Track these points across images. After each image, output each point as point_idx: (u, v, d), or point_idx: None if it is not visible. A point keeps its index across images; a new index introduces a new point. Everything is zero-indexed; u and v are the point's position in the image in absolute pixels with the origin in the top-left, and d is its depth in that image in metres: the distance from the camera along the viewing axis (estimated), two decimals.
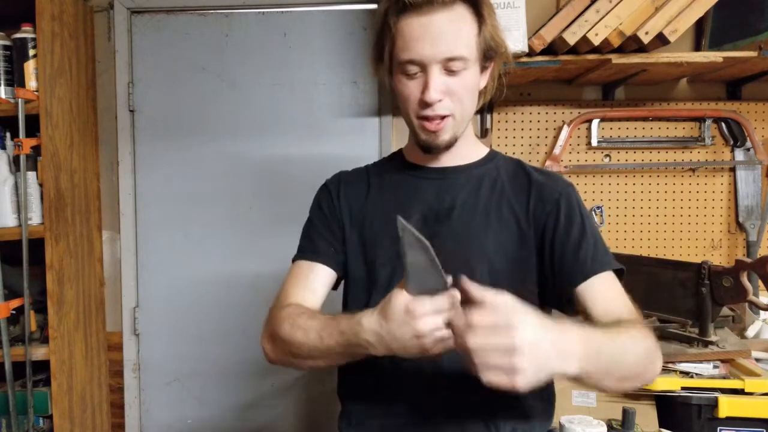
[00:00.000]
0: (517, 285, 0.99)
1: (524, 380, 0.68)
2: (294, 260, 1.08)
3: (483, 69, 0.99)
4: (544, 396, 1.03)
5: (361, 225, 1.06)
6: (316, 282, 1.04)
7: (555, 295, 0.99)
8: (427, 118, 0.95)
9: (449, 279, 0.77)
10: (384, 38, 0.96)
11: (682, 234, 2.03)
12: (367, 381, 1.01)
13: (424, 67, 0.92)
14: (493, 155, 1.09)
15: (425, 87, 0.92)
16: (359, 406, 1.04)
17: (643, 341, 0.84)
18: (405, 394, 0.98)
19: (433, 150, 1.00)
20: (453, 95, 0.94)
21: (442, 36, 0.90)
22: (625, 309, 0.93)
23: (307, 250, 1.07)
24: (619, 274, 0.98)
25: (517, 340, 0.68)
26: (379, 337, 0.80)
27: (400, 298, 0.78)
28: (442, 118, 0.95)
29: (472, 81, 0.96)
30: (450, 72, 0.92)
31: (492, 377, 0.69)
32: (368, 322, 0.81)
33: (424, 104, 0.93)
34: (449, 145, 1.00)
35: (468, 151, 1.06)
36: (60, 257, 1.80)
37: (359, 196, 1.09)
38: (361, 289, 1.04)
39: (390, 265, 1.00)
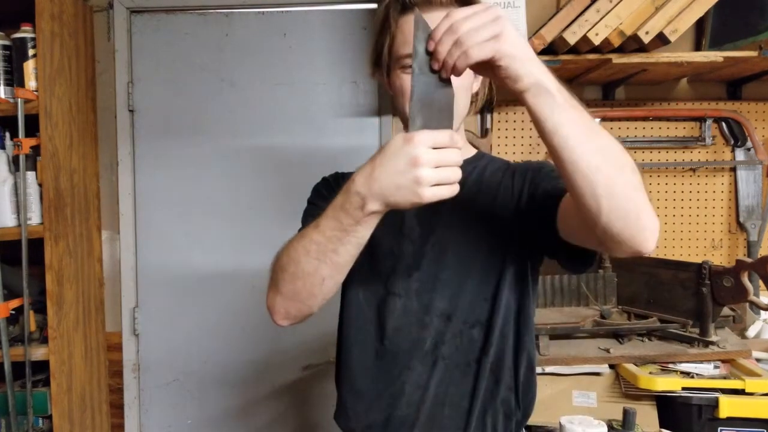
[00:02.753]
0: (510, 273, 1.00)
1: (509, 41, 0.68)
2: None
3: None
4: (527, 391, 1.04)
5: None
6: None
7: (544, 243, 0.96)
8: None
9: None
10: (384, 37, 0.98)
11: (682, 234, 2.03)
12: (368, 370, 1.03)
13: None
14: (481, 155, 1.11)
15: None
16: (360, 397, 1.04)
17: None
18: (408, 383, 1.00)
19: None
20: None
21: None
22: None
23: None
24: (592, 259, 0.98)
25: (500, 12, 0.69)
26: (370, 181, 0.74)
27: (399, 134, 0.74)
28: None
29: (467, 79, 0.98)
30: None
31: (481, 51, 0.68)
32: (361, 168, 0.77)
33: None
34: None
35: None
36: (59, 257, 1.80)
37: None
38: (362, 275, 1.03)
39: (390, 258, 1.02)
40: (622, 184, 0.71)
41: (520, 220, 0.99)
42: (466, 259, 1.00)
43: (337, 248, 0.81)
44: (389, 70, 1.00)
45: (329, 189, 1.09)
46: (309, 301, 0.89)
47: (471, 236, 1.01)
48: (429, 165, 0.71)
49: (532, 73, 0.70)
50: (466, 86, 0.98)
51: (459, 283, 1.00)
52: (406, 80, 0.95)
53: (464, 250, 1.00)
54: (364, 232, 0.79)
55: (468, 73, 0.97)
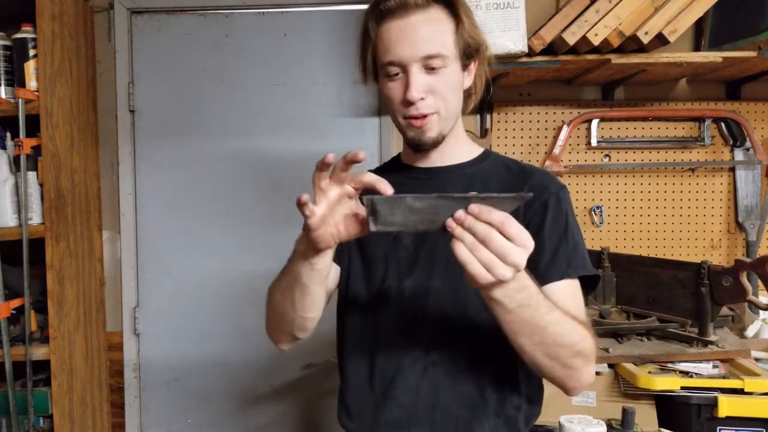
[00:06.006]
0: None
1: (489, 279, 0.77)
2: None
3: (465, 67, 1.01)
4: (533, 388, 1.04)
5: None
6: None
7: None
8: (412, 117, 0.98)
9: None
10: (366, 46, 1.00)
11: (681, 234, 2.04)
12: (363, 373, 1.04)
13: (404, 68, 0.95)
14: (486, 155, 1.10)
15: (407, 87, 0.95)
16: (356, 399, 1.05)
17: (579, 332, 0.88)
18: (399, 387, 1.00)
19: (421, 147, 1.02)
20: (435, 93, 0.96)
21: (418, 36, 0.94)
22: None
23: None
24: (594, 281, 1.02)
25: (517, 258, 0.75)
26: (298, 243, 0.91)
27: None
28: (425, 116, 0.98)
29: (454, 79, 0.98)
30: (430, 70, 0.95)
31: (474, 270, 0.76)
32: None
33: (408, 103, 0.96)
34: (437, 143, 1.01)
35: (459, 152, 1.07)
36: (60, 257, 1.80)
37: None
38: (358, 282, 1.07)
39: (385, 264, 1.03)
40: (553, 362, 0.88)
41: None
42: (457, 269, 0.98)
43: (297, 283, 0.92)
44: (376, 76, 1.03)
45: None
46: (297, 332, 1.01)
47: None
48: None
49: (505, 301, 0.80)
50: (455, 86, 0.99)
51: (450, 291, 0.99)
52: (392, 89, 0.98)
53: (454, 263, 0.99)
54: (298, 258, 0.90)
55: (457, 71, 0.98)
